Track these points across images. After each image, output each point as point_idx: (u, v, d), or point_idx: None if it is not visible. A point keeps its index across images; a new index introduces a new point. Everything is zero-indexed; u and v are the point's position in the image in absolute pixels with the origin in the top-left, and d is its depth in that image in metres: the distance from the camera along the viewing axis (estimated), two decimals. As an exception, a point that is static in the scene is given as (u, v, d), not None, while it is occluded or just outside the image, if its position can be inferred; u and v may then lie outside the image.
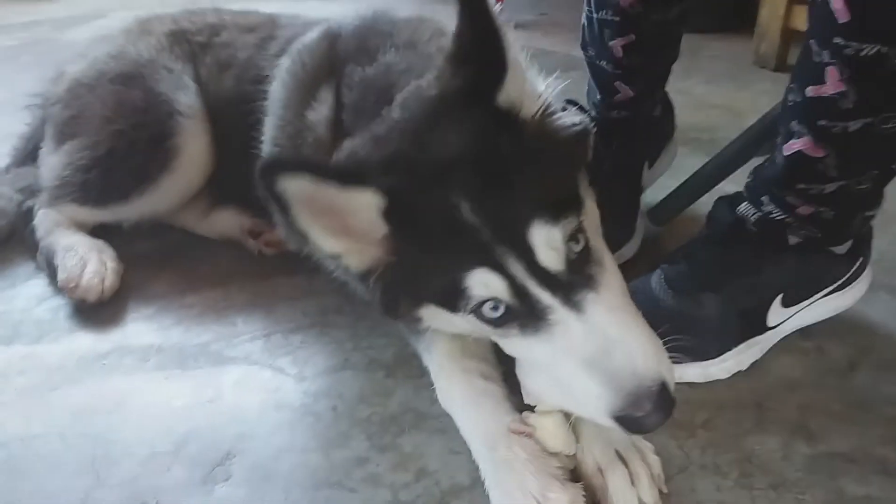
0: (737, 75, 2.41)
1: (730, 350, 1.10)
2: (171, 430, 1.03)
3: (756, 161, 1.20)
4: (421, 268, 0.85)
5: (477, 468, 0.92)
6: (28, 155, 1.58)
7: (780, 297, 1.12)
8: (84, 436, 1.03)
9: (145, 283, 1.37)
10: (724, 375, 1.10)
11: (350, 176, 0.81)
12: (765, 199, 1.10)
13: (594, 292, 0.81)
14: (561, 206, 0.81)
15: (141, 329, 1.25)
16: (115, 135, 1.40)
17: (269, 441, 1.01)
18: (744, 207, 1.13)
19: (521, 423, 0.91)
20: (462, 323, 0.87)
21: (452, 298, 0.82)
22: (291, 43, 1.30)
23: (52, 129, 1.50)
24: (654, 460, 0.92)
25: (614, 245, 1.32)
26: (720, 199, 1.20)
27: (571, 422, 0.88)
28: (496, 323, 0.83)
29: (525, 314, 0.81)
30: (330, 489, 0.93)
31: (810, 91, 0.98)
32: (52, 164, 1.47)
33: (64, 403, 1.08)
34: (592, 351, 0.79)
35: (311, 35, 1.24)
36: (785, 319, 1.14)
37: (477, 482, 0.91)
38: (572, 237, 0.82)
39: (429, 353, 1.05)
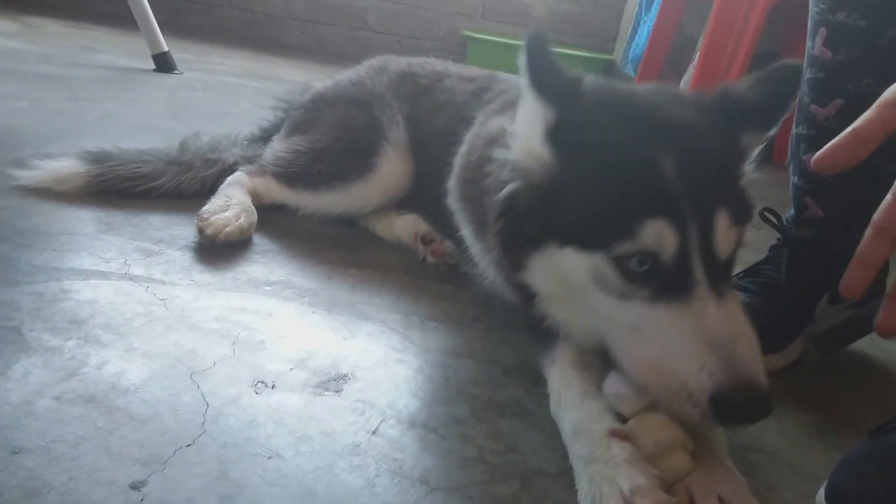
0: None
1: None
2: (304, 345, 1.12)
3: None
4: (583, 198, 0.93)
5: (566, 462, 0.91)
6: (259, 141, 1.86)
7: None
8: (234, 323, 1.15)
9: (320, 253, 1.50)
10: None
11: (539, 82, 0.95)
12: None
13: (733, 291, 0.91)
14: (742, 214, 0.93)
15: (307, 276, 1.38)
16: (335, 139, 1.65)
17: (382, 380, 1.07)
18: None
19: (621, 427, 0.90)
20: (579, 272, 0.93)
21: (606, 236, 0.89)
22: (502, 95, 1.49)
23: (288, 125, 1.78)
24: None
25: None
26: None
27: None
28: (633, 277, 0.89)
29: (670, 280, 0.88)
30: (423, 430, 0.96)
31: None
32: (277, 146, 1.72)
33: (226, 300, 1.22)
34: (723, 333, 0.84)
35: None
36: None
37: (563, 474, 0.90)
38: (738, 242, 0.93)
39: (552, 364, 1.06)
